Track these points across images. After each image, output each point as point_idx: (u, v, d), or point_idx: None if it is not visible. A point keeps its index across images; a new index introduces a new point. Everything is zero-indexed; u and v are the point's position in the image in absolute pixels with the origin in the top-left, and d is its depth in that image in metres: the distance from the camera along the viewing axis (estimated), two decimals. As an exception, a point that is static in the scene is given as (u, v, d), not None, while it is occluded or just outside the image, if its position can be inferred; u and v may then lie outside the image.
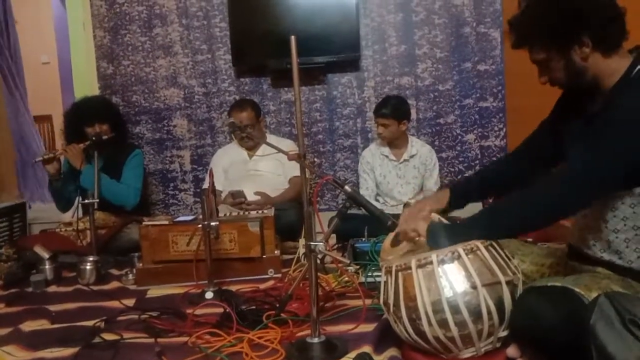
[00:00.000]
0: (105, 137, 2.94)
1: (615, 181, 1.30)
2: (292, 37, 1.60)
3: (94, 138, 2.90)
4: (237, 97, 3.47)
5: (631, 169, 1.28)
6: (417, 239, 1.47)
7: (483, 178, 1.75)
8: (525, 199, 1.38)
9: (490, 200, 2.91)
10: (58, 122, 4.34)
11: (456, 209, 1.67)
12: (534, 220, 1.40)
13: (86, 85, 3.58)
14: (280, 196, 3.00)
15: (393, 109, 2.97)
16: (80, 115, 3.00)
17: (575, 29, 1.33)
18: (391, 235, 1.65)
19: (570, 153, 1.47)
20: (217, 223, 2.13)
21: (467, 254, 1.32)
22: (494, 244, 1.38)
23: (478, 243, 1.34)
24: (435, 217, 1.56)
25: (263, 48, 3.42)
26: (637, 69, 1.33)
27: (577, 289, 1.31)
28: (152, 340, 1.76)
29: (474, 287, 1.29)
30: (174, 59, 3.58)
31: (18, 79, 3.88)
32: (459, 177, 3.57)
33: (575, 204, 1.36)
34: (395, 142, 3.07)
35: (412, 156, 3.08)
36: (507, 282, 1.32)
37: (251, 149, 3.16)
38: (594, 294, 1.28)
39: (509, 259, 1.40)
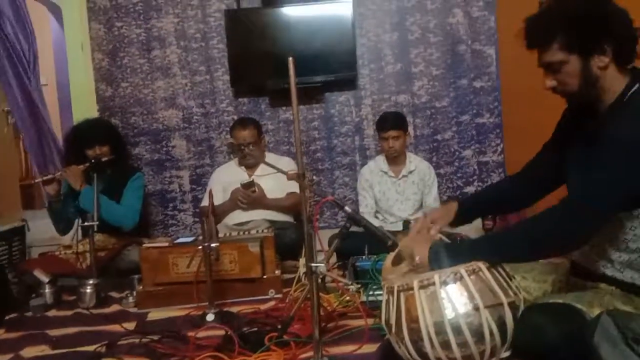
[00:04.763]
0: (105, 159, 2.95)
1: (615, 207, 1.31)
2: (290, 59, 1.61)
3: (93, 160, 2.92)
4: (236, 117, 3.49)
5: (628, 193, 1.29)
6: (417, 260, 1.47)
7: (489, 196, 1.77)
8: (528, 229, 1.38)
9: (490, 218, 2.94)
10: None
11: (462, 224, 1.68)
12: (535, 251, 1.39)
13: (85, 107, 3.59)
14: (275, 200, 3.01)
15: (400, 119, 3.06)
16: (81, 137, 3.01)
17: (601, 35, 1.33)
18: (392, 254, 1.65)
19: (570, 178, 1.48)
20: (218, 244, 2.13)
21: (469, 275, 1.32)
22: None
23: (480, 264, 1.34)
24: (438, 236, 1.56)
25: (261, 68, 3.46)
26: (631, 91, 1.35)
27: (579, 306, 1.31)
28: (153, 364, 1.75)
29: (476, 308, 1.29)
30: (173, 81, 3.60)
31: (41, 100, 3.92)
32: (458, 192, 3.58)
33: (576, 234, 1.34)
34: (395, 158, 3.09)
35: (410, 172, 3.10)
36: (509, 304, 1.31)
37: (251, 168, 3.17)
38: (596, 311, 1.28)
39: (511, 280, 1.40)
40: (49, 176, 2.90)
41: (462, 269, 1.33)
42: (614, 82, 1.37)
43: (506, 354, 1.36)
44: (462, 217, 1.68)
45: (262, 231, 2.58)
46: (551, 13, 1.39)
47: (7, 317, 2.35)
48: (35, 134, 3.82)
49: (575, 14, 1.35)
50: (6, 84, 3.65)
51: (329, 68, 3.41)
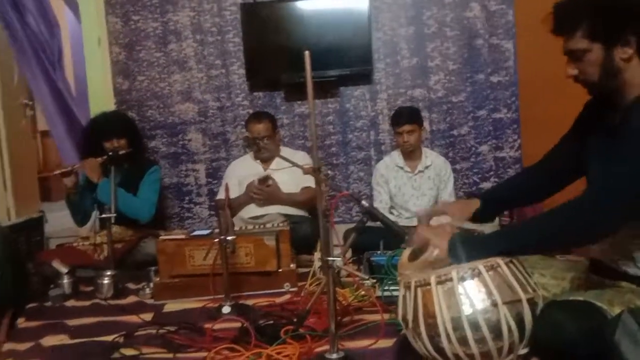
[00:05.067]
0: (122, 151, 2.98)
1: (636, 201, 1.28)
2: (306, 53, 1.59)
3: (111, 153, 2.94)
4: (251, 111, 3.49)
5: None
6: (435, 254, 1.46)
7: (506, 190, 1.75)
8: (548, 222, 1.37)
9: (507, 215, 2.92)
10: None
11: (483, 221, 1.66)
12: (555, 242, 1.39)
13: (102, 100, 3.62)
14: (289, 196, 3.02)
15: (415, 114, 3.04)
16: (98, 130, 3.04)
17: (626, 26, 1.32)
18: (409, 249, 1.65)
19: (591, 170, 1.46)
20: (234, 237, 2.14)
21: (487, 271, 1.31)
22: (514, 260, 1.37)
23: (498, 259, 1.33)
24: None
25: (276, 62, 3.45)
26: None
27: (599, 304, 1.30)
28: (171, 355, 1.77)
29: (494, 304, 1.28)
30: (189, 74, 3.61)
31: (67, 90, 4.00)
32: (474, 188, 3.55)
33: (596, 226, 1.32)
34: (411, 153, 3.08)
35: (426, 167, 3.08)
36: (528, 300, 1.31)
37: (266, 161, 3.18)
38: (617, 309, 1.27)
39: (529, 276, 1.39)
40: (67, 168, 2.94)
41: (480, 265, 1.32)
42: (636, 75, 1.35)
43: (524, 351, 1.35)
44: (481, 216, 1.67)
45: (278, 224, 2.59)
46: (578, 1, 1.38)
47: (27, 307, 2.39)
48: (64, 123, 3.89)
49: (602, 3, 1.34)
50: (31, 75, 3.71)
51: (344, 62, 3.40)
